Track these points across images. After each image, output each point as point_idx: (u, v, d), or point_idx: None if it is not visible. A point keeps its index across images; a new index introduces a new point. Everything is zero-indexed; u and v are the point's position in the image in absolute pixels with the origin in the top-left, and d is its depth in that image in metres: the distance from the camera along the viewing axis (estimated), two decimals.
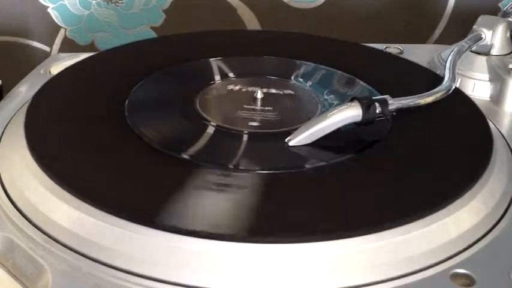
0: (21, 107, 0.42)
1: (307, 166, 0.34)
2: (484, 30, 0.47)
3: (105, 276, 0.27)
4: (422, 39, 0.71)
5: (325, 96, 0.43)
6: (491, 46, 0.47)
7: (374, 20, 0.70)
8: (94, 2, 0.68)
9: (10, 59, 0.68)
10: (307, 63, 0.48)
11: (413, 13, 0.70)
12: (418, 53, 0.52)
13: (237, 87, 0.44)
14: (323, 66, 0.47)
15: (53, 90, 0.42)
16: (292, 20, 0.69)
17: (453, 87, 0.41)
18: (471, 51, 0.48)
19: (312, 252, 0.28)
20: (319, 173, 0.33)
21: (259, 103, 0.41)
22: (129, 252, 0.28)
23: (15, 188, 0.33)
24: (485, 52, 0.48)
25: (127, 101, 0.40)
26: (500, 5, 0.69)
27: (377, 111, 0.36)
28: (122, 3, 0.68)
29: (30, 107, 0.39)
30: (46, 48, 0.70)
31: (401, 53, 0.53)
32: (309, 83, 0.45)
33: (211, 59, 0.48)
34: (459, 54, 0.45)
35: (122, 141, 0.36)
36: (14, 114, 0.41)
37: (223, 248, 0.28)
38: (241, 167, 0.34)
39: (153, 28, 0.70)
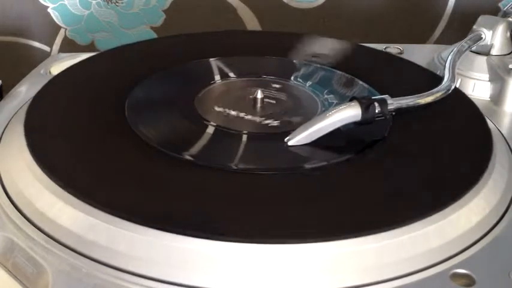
0: (21, 107, 0.42)
1: (307, 166, 0.34)
2: (484, 30, 0.48)
3: (105, 277, 0.27)
4: (422, 39, 0.71)
5: (325, 96, 0.43)
6: (491, 46, 0.47)
7: (374, 20, 0.70)
8: (94, 2, 0.68)
9: (10, 59, 0.68)
10: (307, 63, 0.48)
11: (413, 13, 0.70)
12: (418, 53, 0.52)
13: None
14: (323, 66, 0.47)
15: (53, 90, 0.42)
16: (292, 20, 0.69)
17: (453, 87, 0.41)
18: (471, 51, 0.48)
19: (311, 252, 0.28)
20: (319, 172, 0.33)
21: (259, 103, 0.41)
22: (129, 252, 0.28)
23: (15, 188, 0.33)
24: (485, 52, 0.48)
25: (127, 101, 0.40)
26: (500, 5, 0.69)
27: (376, 111, 0.36)
28: (122, 3, 0.68)
29: (31, 107, 0.39)
30: (46, 48, 0.70)
31: (401, 53, 0.53)
32: (309, 83, 0.45)
33: (211, 59, 0.48)
34: (459, 54, 0.45)
35: (122, 141, 0.36)
36: (14, 114, 0.41)
37: (223, 248, 0.28)
38: (241, 167, 0.34)
39: (153, 28, 0.70)
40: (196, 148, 0.36)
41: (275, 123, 0.39)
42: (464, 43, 0.47)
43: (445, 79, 0.42)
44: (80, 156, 0.34)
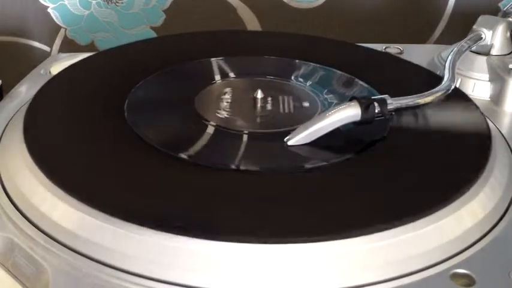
0: (21, 107, 0.42)
1: (307, 166, 0.34)
2: (484, 30, 0.47)
3: (105, 276, 0.27)
4: (422, 39, 0.71)
5: (325, 96, 0.43)
6: (491, 46, 0.47)
7: (374, 20, 0.70)
8: (94, 2, 0.68)
9: (10, 59, 0.68)
10: (307, 63, 0.48)
11: (413, 13, 0.70)
12: (418, 53, 0.52)
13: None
14: (323, 66, 0.47)
15: (53, 90, 0.42)
16: (292, 20, 0.69)
17: (452, 86, 0.41)
18: (471, 51, 0.48)
19: (311, 252, 0.28)
20: (319, 172, 0.33)
21: (259, 103, 0.41)
22: (128, 252, 0.28)
23: (15, 188, 0.33)
24: (485, 52, 0.48)
25: (127, 101, 0.40)
26: (500, 5, 0.69)
27: (376, 111, 0.36)
28: (122, 3, 0.68)
29: (30, 107, 0.39)
30: (46, 48, 0.70)
31: (401, 53, 0.53)
32: (309, 82, 0.45)
33: (211, 59, 0.48)
34: (459, 54, 0.45)
35: (121, 141, 0.36)
36: (14, 114, 0.41)
37: (223, 248, 0.28)
38: (241, 167, 0.34)
39: (153, 28, 0.70)
40: (196, 148, 0.36)
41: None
42: (464, 43, 0.47)
43: (445, 79, 0.42)
44: (79, 156, 0.34)
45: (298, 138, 0.36)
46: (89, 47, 0.70)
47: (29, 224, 0.31)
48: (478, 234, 0.31)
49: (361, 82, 0.44)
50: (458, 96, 0.42)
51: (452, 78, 0.42)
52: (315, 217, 0.30)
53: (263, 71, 0.46)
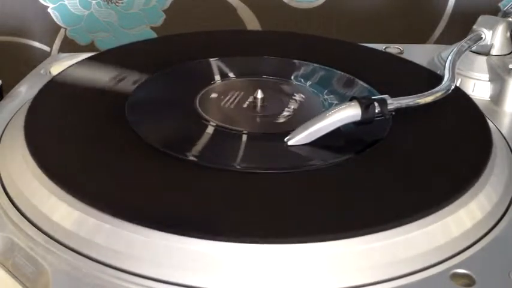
0: (21, 107, 0.42)
1: (307, 166, 0.34)
2: (484, 30, 0.48)
3: (105, 277, 0.27)
4: (422, 39, 0.71)
5: (325, 96, 0.43)
6: (491, 46, 0.48)
7: (374, 20, 0.70)
8: (94, 2, 0.68)
9: (10, 59, 0.68)
10: (307, 63, 0.48)
11: (413, 13, 0.70)
12: (418, 53, 0.52)
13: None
14: (323, 66, 0.47)
15: (53, 90, 0.42)
16: (292, 20, 0.69)
17: (453, 86, 0.41)
18: (471, 51, 0.48)
19: (311, 252, 0.28)
20: (319, 172, 0.33)
21: (259, 103, 0.41)
22: (129, 252, 0.28)
23: (15, 188, 0.33)
24: (485, 52, 0.48)
25: (127, 101, 0.40)
26: (500, 5, 0.69)
27: (376, 111, 0.36)
28: (122, 3, 0.68)
29: (31, 107, 0.39)
30: (46, 48, 0.70)
31: (401, 53, 0.53)
32: (309, 83, 0.45)
33: (211, 59, 0.48)
34: (459, 54, 0.45)
35: (122, 141, 0.36)
36: (14, 114, 0.41)
37: (223, 248, 0.28)
38: (241, 167, 0.34)
39: (153, 28, 0.70)
40: (196, 148, 0.36)
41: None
42: (464, 43, 0.47)
43: (445, 79, 0.42)
44: (80, 156, 0.34)
45: (298, 138, 0.36)
46: (89, 47, 0.70)
47: (29, 224, 0.31)
48: (478, 234, 0.31)
49: (361, 82, 0.44)
50: (458, 96, 0.42)
51: (453, 78, 0.42)
52: (315, 217, 0.30)
53: (263, 71, 0.46)
